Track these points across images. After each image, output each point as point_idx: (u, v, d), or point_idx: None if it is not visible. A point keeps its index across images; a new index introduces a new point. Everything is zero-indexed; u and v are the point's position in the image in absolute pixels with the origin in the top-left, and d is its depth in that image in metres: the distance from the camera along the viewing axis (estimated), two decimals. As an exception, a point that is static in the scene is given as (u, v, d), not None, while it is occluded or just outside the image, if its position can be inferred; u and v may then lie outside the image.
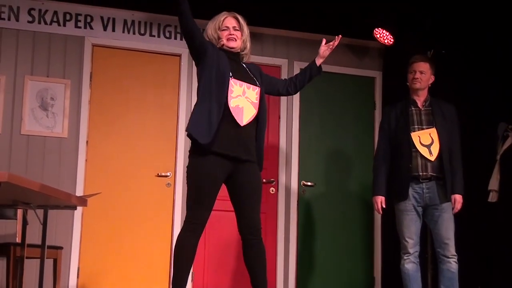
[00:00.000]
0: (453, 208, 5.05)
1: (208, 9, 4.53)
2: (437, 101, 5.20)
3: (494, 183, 5.94)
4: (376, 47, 6.91)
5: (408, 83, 5.24)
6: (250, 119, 4.08)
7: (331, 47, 4.40)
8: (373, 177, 5.31)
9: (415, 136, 5.06)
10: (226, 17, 4.21)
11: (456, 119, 5.19)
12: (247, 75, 4.19)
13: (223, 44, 4.19)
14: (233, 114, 4.01)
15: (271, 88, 4.39)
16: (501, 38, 6.13)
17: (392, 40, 6.47)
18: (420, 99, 5.17)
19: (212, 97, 4.00)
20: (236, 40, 4.18)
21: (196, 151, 4.02)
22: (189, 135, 4.04)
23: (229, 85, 4.02)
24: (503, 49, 6.16)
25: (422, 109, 5.15)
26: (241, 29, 4.22)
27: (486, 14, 6.12)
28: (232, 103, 4.01)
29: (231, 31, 4.17)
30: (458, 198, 5.03)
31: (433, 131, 5.08)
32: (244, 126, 4.05)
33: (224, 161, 4.02)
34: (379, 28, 6.47)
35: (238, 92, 4.07)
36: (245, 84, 4.10)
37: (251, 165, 4.12)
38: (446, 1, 6.16)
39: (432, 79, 5.21)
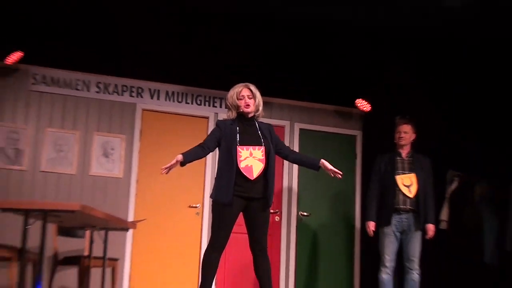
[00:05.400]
0: (426, 234, 5.19)
1: (226, 82, 4.69)
2: (417, 154, 5.39)
3: (444, 215, 6.04)
4: (357, 113, 6.98)
5: (395, 141, 5.40)
6: (259, 173, 4.19)
7: (333, 174, 4.36)
8: (366, 207, 5.44)
9: (399, 178, 5.23)
10: (242, 89, 4.35)
11: (430, 169, 5.38)
12: (255, 136, 4.29)
13: (240, 109, 4.33)
14: (244, 173, 4.17)
15: (275, 148, 4.38)
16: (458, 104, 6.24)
17: (370, 107, 6.67)
18: (404, 151, 5.38)
19: (227, 165, 4.17)
20: (250, 107, 4.33)
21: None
22: (214, 200, 4.22)
23: (237, 152, 4.17)
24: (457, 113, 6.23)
25: (406, 159, 5.33)
26: (253, 97, 4.35)
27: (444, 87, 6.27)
28: (242, 165, 4.15)
29: (246, 100, 4.31)
30: (431, 227, 5.23)
31: (413, 176, 5.24)
32: (255, 179, 4.19)
33: (240, 199, 4.19)
34: (360, 99, 6.67)
35: (245, 155, 4.16)
36: (251, 147, 4.19)
37: (262, 201, 4.24)
38: (414, 76, 6.35)
39: (413, 137, 5.39)
